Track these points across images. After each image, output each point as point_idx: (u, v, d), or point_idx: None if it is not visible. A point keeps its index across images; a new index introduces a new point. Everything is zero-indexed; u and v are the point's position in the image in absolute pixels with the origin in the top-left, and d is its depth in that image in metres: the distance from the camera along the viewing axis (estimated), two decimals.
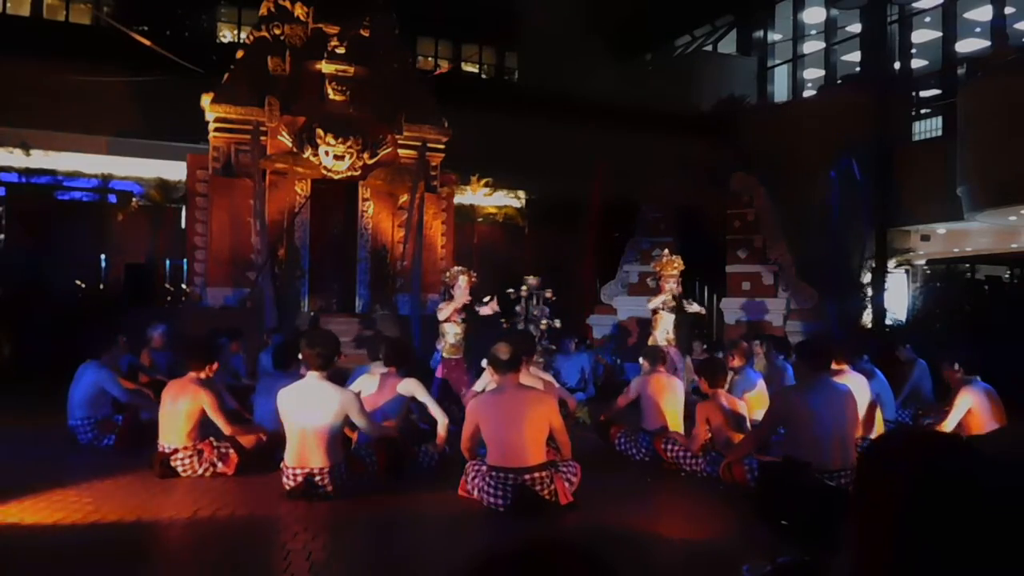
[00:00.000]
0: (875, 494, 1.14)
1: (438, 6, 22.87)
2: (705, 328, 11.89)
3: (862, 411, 6.37)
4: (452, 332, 8.43)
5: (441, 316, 8.49)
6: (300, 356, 5.70)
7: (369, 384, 6.22)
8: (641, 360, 7.33)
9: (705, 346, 9.92)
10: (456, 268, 8.82)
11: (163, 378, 8.49)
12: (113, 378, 7.03)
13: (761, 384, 7.64)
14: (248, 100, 12.75)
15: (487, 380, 6.87)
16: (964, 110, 15.13)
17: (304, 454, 5.15)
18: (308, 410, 5.15)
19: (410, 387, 6.04)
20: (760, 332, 11.22)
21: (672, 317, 9.63)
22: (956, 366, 6.36)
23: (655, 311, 9.75)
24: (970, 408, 6.11)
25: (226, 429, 5.89)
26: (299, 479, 5.14)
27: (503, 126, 17.27)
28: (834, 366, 6.32)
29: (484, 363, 6.13)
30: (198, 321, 10.99)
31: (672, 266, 9.89)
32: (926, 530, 1.08)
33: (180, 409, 5.79)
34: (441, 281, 13.92)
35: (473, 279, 8.66)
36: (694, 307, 10.00)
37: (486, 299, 8.63)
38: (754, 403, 7.03)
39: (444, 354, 8.40)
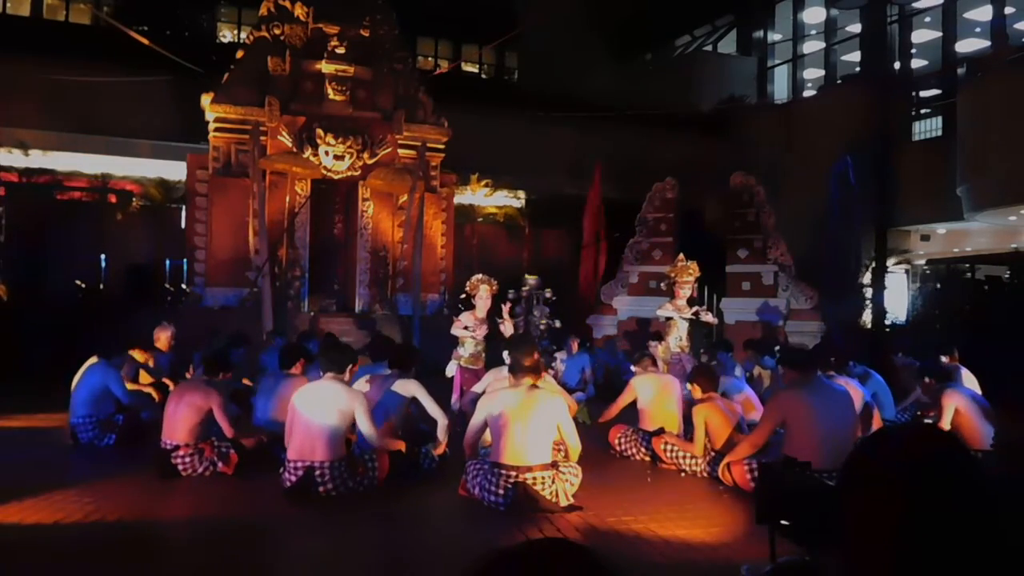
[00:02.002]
0: (870, 491, 1.13)
1: (438, 6, 22.89)
2: (705, 329, 11.87)
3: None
4: (472, 342, 8.36)
5: (462, 333, 8.27)
6: (314, 360, 5.91)
7: (368, 385, 6.23)
8: (633, 367, 7.35)
9: (702, 349, 9.86)
10: (477, 277, 8.69)
11: (166, 380, 8.50)
12: (118, 378, 7.05)
13: (748, 391, 7.65)
14: (248, 100, 12.75)
15: (489, 381, 6.86)
16: (964, 110, 15.14)
17: (307, 448, 5.21)
18: (319, 407, 5.27)
19: (410, 388, 6.04)
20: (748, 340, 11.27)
21: (686, 324, 9.60)
22: (927, 379, 6.42)
23: (669, 319, 9.70)
24: (957, 409, 6.11)
25: (228, 431, 5.92)
26: (300, 472, 5.17)
27: (503, 126, 17.28)
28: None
29: (505, 355, 6.18)
30: (198, 321, 10.99)
31: (688, 272, 9.85)
32: (923, 526, 1.07)
33: (187, 405, 5.83)
34: (440, 282, 13.96)
35: (494, 289, 8.57)
36: (708, 316, 9.98)
37: (500, 319, 8.54)
38: (743, 408, 7.04)
39: (463, 363, 8.33)
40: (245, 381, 8.57)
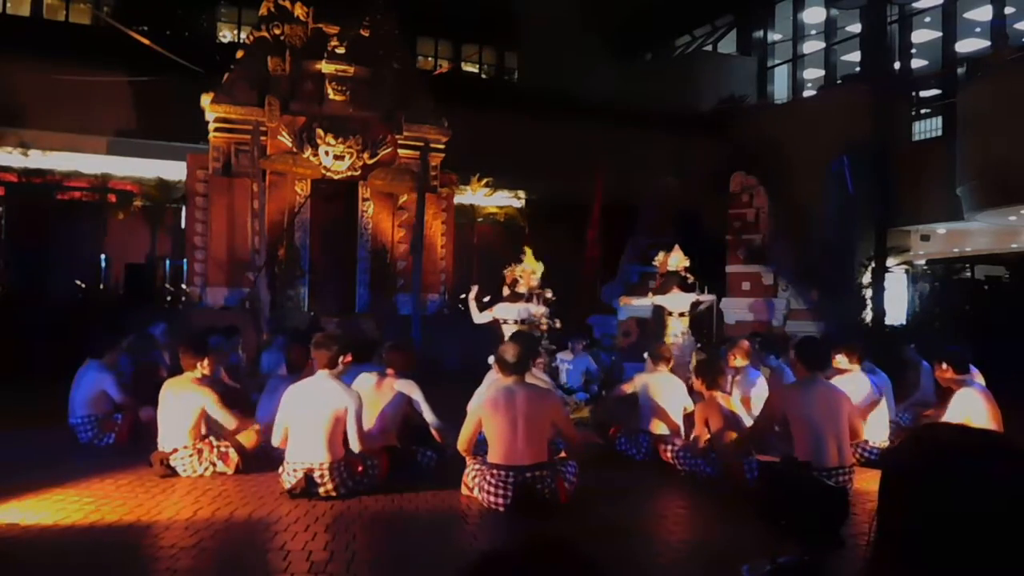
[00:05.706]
0: (912, 490, 1.11)
1: (438, 6, 22.87)
2: (705, 328, 11.87)
3: (866, 411, 6.36)
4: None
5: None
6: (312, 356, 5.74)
7: (366, 382, 6.17)
8: (646, 355, 7.31)
9: (699, 345, 9.85)
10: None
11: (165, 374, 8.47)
12: (113, 379, 7.04)
13: (762, 382, 7.62)
14: (248, 100, 12.75)
15: (491, 379, 6.84)
16: (964, 110, 15.13)
17: (305, 449, 5.18)
18: (313, 406, 5.21)
19: (406, 387, 6.02)
20: (755, 331, 11.23)
21: (684, 318, 9.62)
22: (944, 365, 6.34)
23: (669, 312, 9.72)
24: (968, 407, 6.05)
25: (231, 424, 5.87)
26: (299, 475, 5.15)
27: (503, 126, 17.27)
28: (847, 364, 6.40)
29: (490, 360, 6.14)
30: (198, 321, 11.00)
31: (672, 259, 9.90)
32: (964, 526, 1.06)
33: (180, 408, 5.79)
34: (440, 282, 13.96)
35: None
36: (704, 296, 10.04)
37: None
38: (756, 401, 7.02)
39: None
40: (245, 381, 8.56)
